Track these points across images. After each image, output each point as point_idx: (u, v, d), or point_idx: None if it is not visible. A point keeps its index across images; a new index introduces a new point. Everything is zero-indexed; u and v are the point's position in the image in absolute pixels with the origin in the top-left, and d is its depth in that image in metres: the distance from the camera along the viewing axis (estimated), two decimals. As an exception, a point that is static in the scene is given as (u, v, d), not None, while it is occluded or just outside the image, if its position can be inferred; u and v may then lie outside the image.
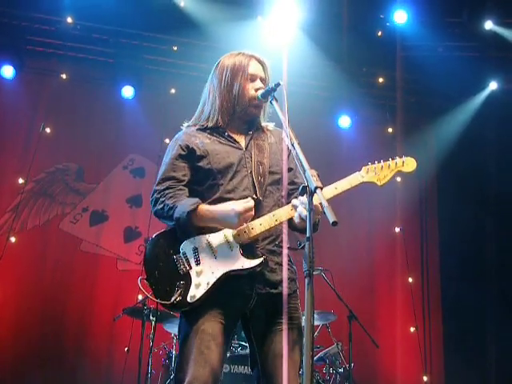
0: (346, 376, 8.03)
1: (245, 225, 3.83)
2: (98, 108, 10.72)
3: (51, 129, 10.35)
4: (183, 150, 4.13)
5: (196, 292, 3.81)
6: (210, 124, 4.18)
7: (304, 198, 3.46)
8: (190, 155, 4.11)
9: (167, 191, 4.04)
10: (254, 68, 4.19)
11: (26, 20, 10.06)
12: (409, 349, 10.71)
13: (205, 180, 4.08)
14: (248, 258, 3.81)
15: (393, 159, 3.92)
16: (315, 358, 8.22)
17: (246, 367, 7.33)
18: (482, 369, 10.61)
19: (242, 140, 4.19)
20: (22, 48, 10.27)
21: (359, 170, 3.89)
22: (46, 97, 10.47)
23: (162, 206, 3.99)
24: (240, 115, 4.18)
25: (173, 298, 3.81)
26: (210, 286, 3.80)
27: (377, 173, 3.85)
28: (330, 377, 8.32)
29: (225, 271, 3.80)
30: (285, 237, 4.02)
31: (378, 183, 3.85)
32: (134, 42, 10.50)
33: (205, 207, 3.89)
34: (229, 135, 4.17)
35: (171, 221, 3.94)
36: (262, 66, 4.25)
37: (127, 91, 10.63)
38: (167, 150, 4.23)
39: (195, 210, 3.84)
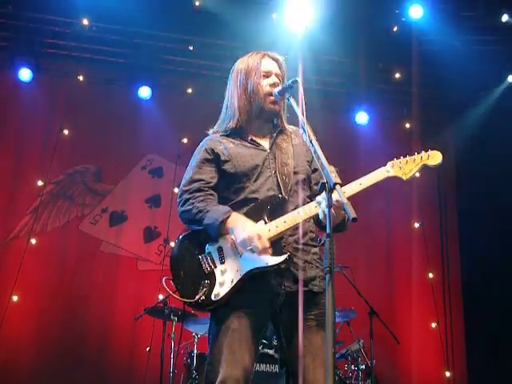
0: (368, 373, 8.01)
1: (265, 224, 3.84)
2: (116, 109, 10.75)
3: (69, 131, 10.40)
4: (209, 153, 4.15)
5: (220, 290, 3.81)
6: (233, 125, 4.19)
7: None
8: (215, 159, 4.13)
9: (198, 194, 4.05)
10: (267, 65, 4.21)
11: (42, 23, 10.10)
12: (430, 344, 10.68)
13: (230, 183, 4.09)
14: (273, 255, 3.79)
15: (418, 153, 3.91)
16: (337, 355, 8.21)
17: (270, 365, 7.32)
18: (505, 364, 10.53)
19: (265, 142, 4.20)
20: (39, 51, 10.33)
21: (384, 165, 3.90)
22: (63, 99, 10.51)
23: (191, 207, 4.00)
24: (259, 114, 4.18)
25: (197, 297, 3.81)
26: (234, 284, 3.80)
27: (402, 167, 3.85)
28: (351, 374, 8.29)
29: (249, 269, 3.79)
30: (312, 234, 4.03)
31: (404, 177, 3.85)
32: (150, 42, 10.51)
33: (234, 218, 3.89)
34: (252, 139, 4.19)
35: (198, 225, 3.96)
36: (277, 62, 4.26)
37: (144, 91, 10.64)
38: (193, 156, 4.26)
39: (227, 219, 3.86)
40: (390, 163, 3.89)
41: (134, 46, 10.51)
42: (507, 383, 10.02)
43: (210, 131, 4.37)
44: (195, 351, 7.85)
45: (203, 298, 3.82)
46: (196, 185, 4.07)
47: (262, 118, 4.22)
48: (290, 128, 4.32)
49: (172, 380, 7.71)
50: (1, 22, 10.13)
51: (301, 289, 3.74)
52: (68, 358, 9.39)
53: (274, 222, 3.84)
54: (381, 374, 8.68)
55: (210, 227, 3.89)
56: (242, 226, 3.83)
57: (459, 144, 11.11)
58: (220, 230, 3.87)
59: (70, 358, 9.40)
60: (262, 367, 7.35)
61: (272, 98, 4.12)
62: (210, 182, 4.10)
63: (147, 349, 8.32)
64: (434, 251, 11.23)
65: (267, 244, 3.77)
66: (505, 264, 10.51)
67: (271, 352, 7.36)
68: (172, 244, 4.19)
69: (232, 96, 4.24)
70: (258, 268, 3.79)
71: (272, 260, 3.78)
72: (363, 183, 3.81)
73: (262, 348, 7.55)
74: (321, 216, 3.70)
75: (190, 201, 4.02)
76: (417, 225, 11.15)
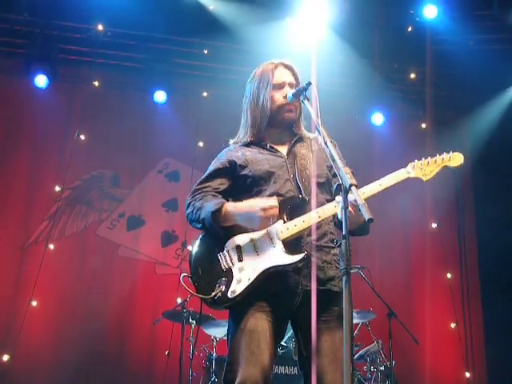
0: (388, 374, 7.99)
1: (283, 223, 3.87)
2: (131, 113, 10.78)
3: (85, 136, 10.44)
4: (223, 164, 4.19)
5: (237, 287, 3.83)
6: (250, 139, 4.23)
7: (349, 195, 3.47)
8: (230, 168, 4.16)
9: (198, 195, 4.11)
10: (279, 75, 4.21)
11: (56, 29, 10.15)
12: (450, 345, 10.65)
13: (249, 188, 4.11)
14: (291, 254, 3.81)
15: (440, 154, 3.90)
16: (356, 357, 8.20)
17: (288, 367, 7.34)
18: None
19: (283, 149, 4.22)
20: (54, 57, 10.35)
21: (404, 166, 3.90)
22: (79, 104, 10.55)
23: (192, 208, 4.06)
24: (276, 124, 4.21)
25: (213, 293, 3.84)
26: (250, 281, 3.81)
27: (423, 168, 3.85)
28: (371, 375, 8.28)
29: (266, 267, 3.81)
30: (332, 236, 4.03)
31: (424, 178, 3.85)
32: (165, 46, 10.54)
33: (231, 204, 3.95)
34: (270, 146, 4.21)
35: (198, 223, 4.00)
36: (291, 70, 4.26)
37: (159, 96, 10.68)
38: (210, 165, 4.29)
39: (220, 209, 3.89)
40: (410, 164, 3.88)
41: (149, 50, 10.54)
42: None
43: (231, 141, 4.40)
44: (214, 354, 7.86)
45: (220, 294, 3.84)
46: (200, 191, 4.14)
47: (279, 128, 4.24)
48: (309, 135, 4.33)
49: (191, 383, 7.73)
50: (16, 28, 10.17)
51: (313, 287, 3.71)
52: (87, 362, 9.40)
53: (292, 222, 3.85)
54: (400, 375, 8.65)
55: (205, 221, 3.93)
56: (243, 209, 3.89)
57: (475, 144, 11.08)
58: (215, 221, 3.89)
59: (89, 363, 9.41)
60: (281, 369, 7.37)
61: (286, 106, 4.14)
62: (218, 189, 4.15)
63: (166, 352, 8.32)
64: (451, 251, 11.20)
65: (269, 202, 3.82)
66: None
67: (290, 354, 7.37)
68: (189, 248, 4.22)
69: (247, 108, 4.27)
70: (274, 266, 3.81)
71: (289, 259, 3.80)
72: (383, 184, 3.82)
73: (281, 350, 7.56)
74: (339, 216, 3.70)
75: (191, 202, 4.09)
76: (434, 225, 11.12)
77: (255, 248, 3.90)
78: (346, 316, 3.02)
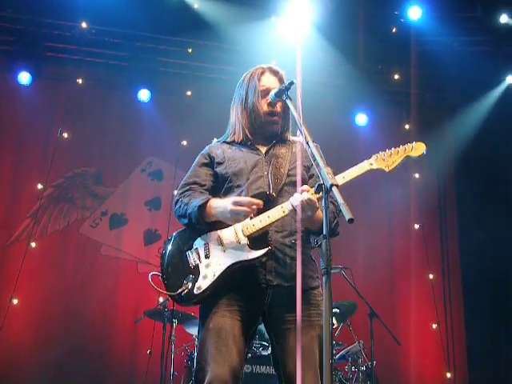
0: (369, 374, 8.01)
1: (249, 219, 3.89)
2: (115, 112, 10.76)
3: (69, 134, 10.40)
4: (205, 158, 4.28)
5: (202, 283, 3.87)
6: (238, 140, 4.26)
7: (300, 194, 3.63)
8: (211, 163, 4.24)
9: (186, 192, 4.16)
10: (266, 82, 4.23)
11: (40, 26, 10.10)
12: (431, 345, 10.70)
13: (222, 184, 4.18)
14: (256, 249, 3.84)
15: (403, 145, 3.90)
16: (337, 357, 8.22)
17: (268, 367, 7.33)
18: (506, 365, 10.55)
19: (263, 148, 4.25)
20: (38, 54, 10.31)
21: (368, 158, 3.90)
22: (62, 102, 10.49)
23: (180, 205, 4.11)
24: (260, 131, 4.24)
25: (180, 290, 3.89)
26: (216, 277, 3.84)
27: (385, 159, 3.84)
28: (352, 375, 8.30)
29: (231, 263, 3.84)
30: (298, 233, 4.01)
31: (386, 169, 3.83)
32: (149, 44, 10.52)
33: (214, 200, 3.99)
34: (252, 144, 4.24)
35: (185, 218, 4.04)
36: (277, 76, 4.27)
37: (143, 94, 10.66)
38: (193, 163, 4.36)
39: (205, 204, 3.94)
40: (374, 156, 3.88)
41: (133, 48, 10.51)
42: (508, 384, 10.07)
43: (214, 140, 4.43)
44: (195, 353, 7.85)
45: (186, 291, 3.88)
46: (187, 187, 4.20)
47: (263, 135, 4.26)
48: (294, 138, 4.34)
49: (172, 382, 7.72)
50: (0, 25, 10.13)
51: (298, 285, 3.67)
52: (68, 361, 9.37)
53: (258, 217, 3.88)
54: (381, 375, 8.68)
55: (191, 216, 3.98)
56: (221, 205, 3.90)
57: (459, 145, 11.13)
58: (200, 216, 3.94)
59: (71, 361, 9.39)
60: (263, 369, 7.36)
61: (269, 118, 4.18)
62: (204, 185, 4.21)
63: (148, 351, 8.31)
64: (434, 252, 11.24)
65: (245, 199, 3.85)
66: (505, 263, 10.54)
67: (268, 353, 7.36)
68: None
69: (235, 112, 4.31)
70: (239, 262, 3.84)
71: (253, 254, 3.84)
72: (346, 176, 3.82)
73: (262, 350, 7.57)
74: (289, 208, 3.76)
75: (180, 199, 4.14)
76: (417, 226, 11.15)
77: (222, 245, 3.93)
78: (327, 315, 3.02)
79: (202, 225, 3.99)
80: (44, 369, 9.32)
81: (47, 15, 9.98)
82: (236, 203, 3.82)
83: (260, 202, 3.85)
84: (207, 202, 3.95)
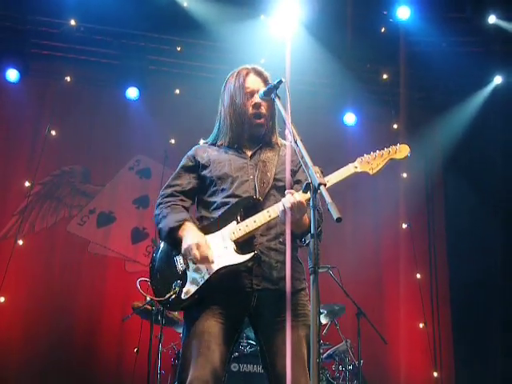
0: (356, 373, 8.02)
1: (236, 224, 3.91)
2: (103, 110, 10.76)
3: (57, 131, 10.36)
4: (190, 161, 4.27)
5: (190, 288, 3.87)
6: (225, 144, 4.24)
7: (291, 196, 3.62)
8: (196, 166, 4.23)
9: (168, 199, 4.18)
10: (251, 83, 4.19)
11: (29, 23, 10.08)
12: (418, 345, 10.71)
13: (208, 187, 4.16)
14: (243, 254, 3.85)
15: (387, 148, 3.90)
16: (324, 356, 8.23)
17: (255, 366, 7.33)
18: (492, 364, 10.57)
19: (249, 151, 4.22)
20: (26, 51, 10.28)
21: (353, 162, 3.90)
22: (50, 100, 10.49)
23: (159, 211, 4.14)
24: (246, 134, 4.22)
25: (167, 295, 3.89)
26: (203, 282, 3.85)
27: (370, 162, 3.85)
28: (339, 374, 8.31)
29: (218, 267, 3.83)
30: (288, 236, 4.01)
31: (370, 172, 3.84)
32: (138, 43, 10.51)
33: (187, 226, 3.98)
34: (238, 147, 4.22)
35: (158, 227, 4.11)
36: (262, 77, 4.24)
37: (132, 92, 10.64)
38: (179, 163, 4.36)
39: (178, 227, 3.96)
40: (358, 159, 3.89)
41: (122, 46, 10.50)
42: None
43: (201, 142, 4.41)
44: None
45: (174, 296, 3.88)
46: (170, 190, 4.21)
47: (251, 137, 4.23)
48: (281, 141, 4.32)
49: (159, 381, 7.70)
50: (-12, 22, 10.10)
51: (288, 287, 3.68)
52: (55, 358, 9.36)
53: (244, 222, 3.88)
54: (368, 375, 8.69)
55: (161, 231, 4.05)
56: (186, 236, 3.90)
57: (447, 145, 11.14)
58: (170, 237, 4.00)
59: (58, 359, 9.38)
60: (250, 368, 7.36)
61: (256, 121, 4.16)
62: (185, 188, 4.21)
63: (135, 349, 8.29)
64: (421, 252, 11.24)
65: (206, 253, 3.83)
66: (492, 263, 10.56)
67: (255, 351, 7.36)
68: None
69: (223, 113, 4.27)
70: (225, 267, 3.84)
71: (239, 258, 3.84)
72: (331, 180, 3.81)
73: (249, 348, 7.57)
74: (276, 212, 3.78)
75: (161, 205, 4.17)
76: (404, 225, 11.16)
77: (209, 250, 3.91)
78: (314, 315, 3.02)
79: (167, 243, 4.09)
80: (31, 366, 9.30)
81: (36, 12, 9.95)
82: (198, 247, 3.81)
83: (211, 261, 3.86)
84: (180, 226, 3.95)
